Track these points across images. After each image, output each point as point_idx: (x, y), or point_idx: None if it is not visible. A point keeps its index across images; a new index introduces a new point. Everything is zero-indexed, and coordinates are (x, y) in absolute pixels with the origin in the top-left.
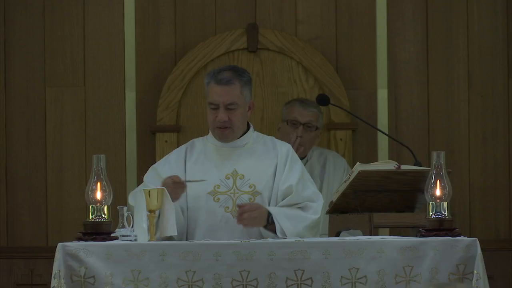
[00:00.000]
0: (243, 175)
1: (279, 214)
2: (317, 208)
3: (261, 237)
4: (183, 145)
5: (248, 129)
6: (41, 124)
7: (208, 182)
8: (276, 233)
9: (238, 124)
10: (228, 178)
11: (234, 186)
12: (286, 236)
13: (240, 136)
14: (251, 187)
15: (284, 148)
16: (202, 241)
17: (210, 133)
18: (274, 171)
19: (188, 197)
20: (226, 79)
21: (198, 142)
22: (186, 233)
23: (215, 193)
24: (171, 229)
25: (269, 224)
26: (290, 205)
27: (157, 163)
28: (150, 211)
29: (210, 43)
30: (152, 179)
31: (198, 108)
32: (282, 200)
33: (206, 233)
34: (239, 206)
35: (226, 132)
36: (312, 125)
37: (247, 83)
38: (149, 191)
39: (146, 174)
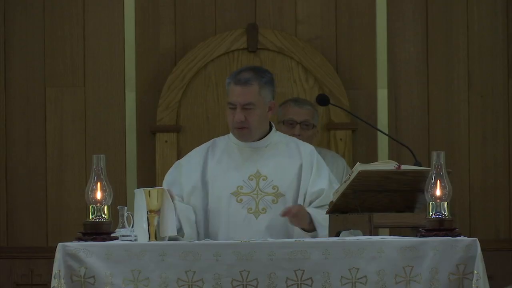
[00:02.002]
0: (266, 177)
1: (317, 217)
2: None
3: (286, 236)
4: (204, 144)
5: (270, 129)
6: (41, 124)
7: (231, 183)
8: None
9: (255, 125)
10: (251, 179)
11: (257, 187)
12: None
13: (263, 137)
14: (274, 188)
15: (308, 149)
16: (202, 241)
17: (231, 133)
18: (298, 172)
19: (211, 198)
20: (245, 79)
21: (220, 141)
22: (208, 233)
23: (238, 194)
24: (171, 229)
25: (308, 224)
26: (321, 206)
27: (182, 158)
28: (150, 211)
29: (210, 43)
30: (174, 178)
31: (198, 108)
32: (312, 202)
33: (228, 234)
34: (285, 213)
35: (244, 132)
36: (309, 123)
37: (267, 83)
38: (149, 191)
39: (169, 171)
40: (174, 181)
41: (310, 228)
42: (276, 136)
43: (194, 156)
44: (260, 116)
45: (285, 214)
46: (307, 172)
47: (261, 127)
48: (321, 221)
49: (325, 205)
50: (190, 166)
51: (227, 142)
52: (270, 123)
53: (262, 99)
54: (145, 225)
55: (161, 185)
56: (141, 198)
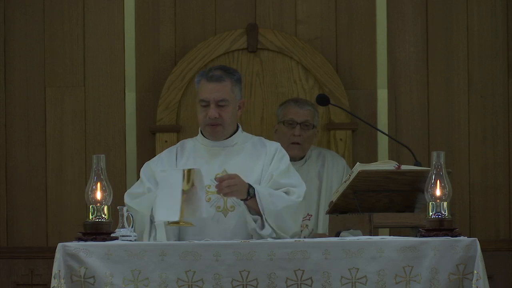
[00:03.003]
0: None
1: (261, 189)
2: (300, 193)
3: (250, 236)
4: (173, 146)
5: (237, 129)
6: (41, 124)
7: None
8: (257, 214)
9: (228, 122)
10: None
11: None
12: (265, 214)
13: (230, 136)
14: None
15: (273, 147)
16: (202, 241)
17: (199, 133)
18: (262, 169)
19: None
20: (217, 76)
21: (188, 142)
22: (179, 233)
23: (206, 193)
24: (199, 212)
25: (250, 196)
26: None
27: (151, 160)
28: (183, 191)
29: (210, 43)
30: (147, 176)
31: None
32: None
33: (198, 233)
34: (218, 180)
35: (217, 129)
36: (309, 123)
37: (237, 81)
38: (187, 171)
39: (142, 170)
40: (149, 179)
41: (252, 203)
42: (242, 135)
43: (166, 156)
44: (232, 113)
45: (218, 180)
46: (267, 164)
47: (232, 125)
48: (264, 192)
49: (276, 189)
50: (163, 165)
51: (194, 143)
52: (237, 123)
53: (234, 96)
54: (178, 205)
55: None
56: (177, 177)
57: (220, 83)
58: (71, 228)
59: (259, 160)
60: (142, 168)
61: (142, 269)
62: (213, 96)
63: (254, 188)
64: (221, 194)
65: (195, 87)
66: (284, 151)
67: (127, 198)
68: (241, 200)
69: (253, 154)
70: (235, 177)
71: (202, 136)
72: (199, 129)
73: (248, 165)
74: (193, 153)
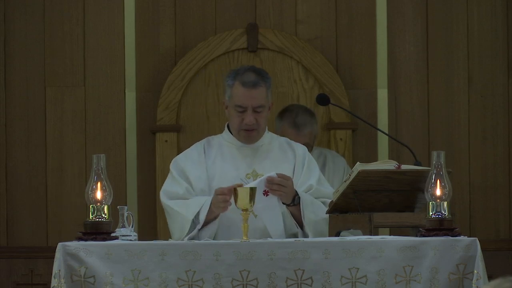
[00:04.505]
0: (263, 175)
1: (305, 197)
2: None
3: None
4: (199, 142)
5: None
6: (41, 124)
7: (229, 181)
8: (295, 219)
9: (263, 126)
10: (249, 178)
11: None
12: (305, 221)
13: None
14: None
15: (301, 149)
16: (202, 241)
17: (225, 132)
18: (292, 171)
19: (209, 195)
20: (253, 82)
21: (213, 140)
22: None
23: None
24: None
25: (294, 204)
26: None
27: (178, 157)
28: (242, 209)
29: (210, 43)
30: (180, 175)
31: (198, 108)
32: None
33: (227, 232)
34: (269, 180)
35: (253, 134)
36: (308, 145)
37: (270, 85)
38: (237, 190)
39: (173, 167)
40: (183, 178)
41: (293, 210)
42: (268, 135)
43: (194, 153)
44: (266, 117)
45: (268, 180)
46: (299, 170)
47: (265, 128)
48: (307, 202)
49: (317, 198)
50: (193, 162)
51: (220, 141)
52: None
53: (268, 101)
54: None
55: (161, 184)
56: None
57: (256, 89)
58: (71, 228)
59: (289, 162)
60: (171, 164)
61: (142, 268)
62: (251, 103)
63: (300, 197)
64: (268, 189)
65: (226, 89)
66: (311, 156)
67: (164, 197)
68: (283, 203)
69: (281, 156)
70: (289, 179)
71: (231, 135)
72: (225, 126)
73: (278, 165)
74: (220, 152)
